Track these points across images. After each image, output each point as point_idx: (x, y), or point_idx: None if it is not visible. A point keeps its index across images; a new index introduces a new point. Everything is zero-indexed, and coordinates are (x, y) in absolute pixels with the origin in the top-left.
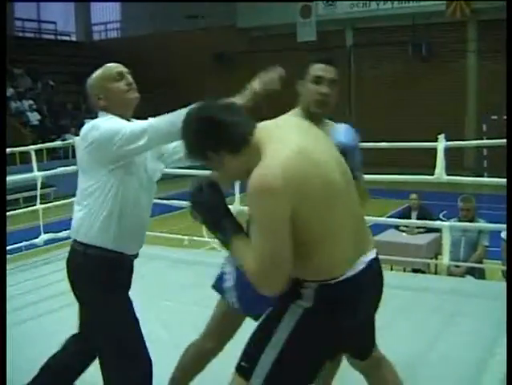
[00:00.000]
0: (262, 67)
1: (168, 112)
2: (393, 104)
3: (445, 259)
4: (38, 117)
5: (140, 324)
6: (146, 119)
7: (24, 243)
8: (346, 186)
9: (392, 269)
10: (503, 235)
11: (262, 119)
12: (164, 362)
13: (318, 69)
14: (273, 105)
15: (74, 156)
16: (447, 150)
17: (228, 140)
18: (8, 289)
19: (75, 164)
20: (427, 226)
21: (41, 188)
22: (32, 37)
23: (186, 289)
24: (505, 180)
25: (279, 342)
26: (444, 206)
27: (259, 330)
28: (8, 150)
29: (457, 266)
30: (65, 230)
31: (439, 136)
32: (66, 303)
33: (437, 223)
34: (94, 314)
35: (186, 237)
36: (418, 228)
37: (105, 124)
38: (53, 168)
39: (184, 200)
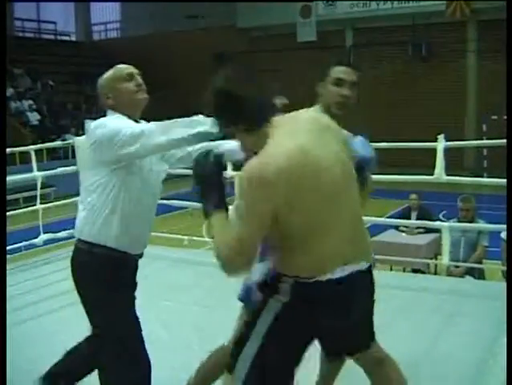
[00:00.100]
0: (262, 67)
1: (167, 111)
2: (393, 104)
3: (445, 259)
4: (38, 117)
5: (141, 324)
6: (146, 119)
7: (23, 243)
8: (345, 190)
9: (391, 270)
10: (503, 235)
11: None
12: (163, 362)
13: (339, 71)
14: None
15: (74, 156)
16: (447, 150)
17: (246, 118)
18: (8, 289)
19: (75, 164)
20: (427, 226)
21: (41, 188)
22: (32, 37)
23: (186, 289)
24: (505, 180)
25: (259, 335)
26: (444, 206)
27: (242, 327)
28: (8, 150)
29: (457, 266)
30: (64, 230)
31: (439, 136)
32: (66, 303)
33: (437, 223)
34: (96, 313)
35: (186, 237)
36: (418, 228)
37: (110, 123)
38: (53, 168)
39: (184, 200)
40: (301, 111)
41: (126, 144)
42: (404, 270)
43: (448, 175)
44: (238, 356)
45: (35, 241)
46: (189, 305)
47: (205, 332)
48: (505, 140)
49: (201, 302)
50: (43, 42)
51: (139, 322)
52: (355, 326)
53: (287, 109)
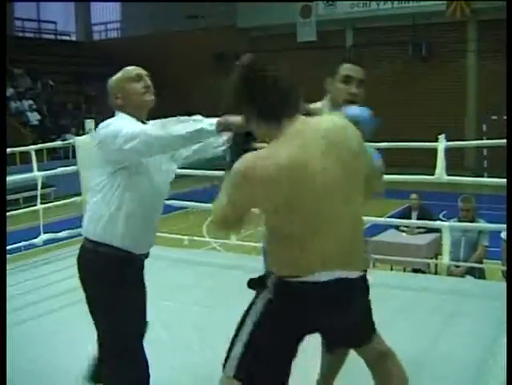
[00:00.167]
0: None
1: (168, 111)
2: (393, 104)
3: (445, 259)
4: (38, 117)
5: (147, 324)
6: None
7: (23, 243)
8: (345, 201)
9: (392, 269)
10: (503, 235)
11: None
12: (163, 362)
13: (347, 69)
14: None
15: (74, 156)
16: (447, 150)
17: (262, 108)
18: (8, 289)
19: (75, 164)
20: (427, 226)
21: (41, 188)
22: (32, 37)
23: (186, 290)
24: (505, 180)
25: (248, 328)
26: (445, 206)
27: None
28: (8, 150)
29: (457, 266)
30: (65, 230)
31: (439, 136)
32: (66, 303)
33: (437, 223)
34: (99, 311)
35: (186, 237)
36: (418, 228)
37: (114, 124)
38: (53, 168)
39: (184, 200)
40: (318, 118)
41: (127, 142)
42: (404, 270)
43: (448, 175)
44: (231, 351)
45: (35, 240)
46: (189, 305)
47: (205, 332)
48: (505, 140)
49: (201, 302)
50: (43, 42)
51: (144, 323)
52: (344, 325)
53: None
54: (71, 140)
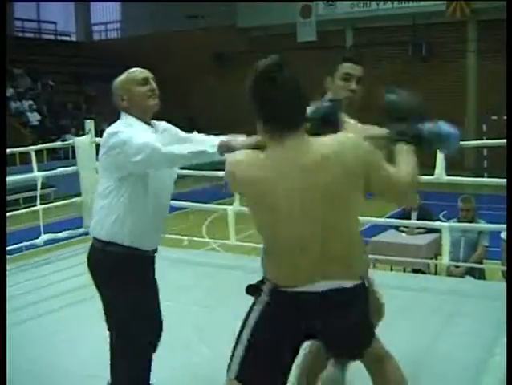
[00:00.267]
0: None
1: (167, 111)
2: None
3: (445, 259)
4: (38, 117)
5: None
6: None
7: (24, 243)
8: (318, 217)
9: (391, 270)
10: (503, 235)
11: None
12: (163, 362)
13: (347, 67)
14: None
15: (74, 157)
16: None
17: (265, 114)
18: (8, 289)
19: (75, 165)
20: (427, 226)
21: (41, 189)
22: (32, 37)
23: (186, 290)
24: (505, 180)
25: (247, 331)
26: (444, 206)
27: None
28: (8, 150)
29: (457, 267)
30: (65, 230)
31: None
32: (66, 303)
33: (437, 223)
34: (109, 309)
35: (186, 238)
36: (418, 228)
37: (123, 133)
38: (53, 169)
39: (184, 200)
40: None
41: (134, 154)
42: (404, 270)
43: (448, 175)
44: (235, 347)
45: (36, 241)
46: (189, 305)
47: (205, 332)
48: (505, 140)
49: (201, 303)
50: (43, 43)
51: (153, 318)
52: (339, 333)
53: None
54: (71, 141)
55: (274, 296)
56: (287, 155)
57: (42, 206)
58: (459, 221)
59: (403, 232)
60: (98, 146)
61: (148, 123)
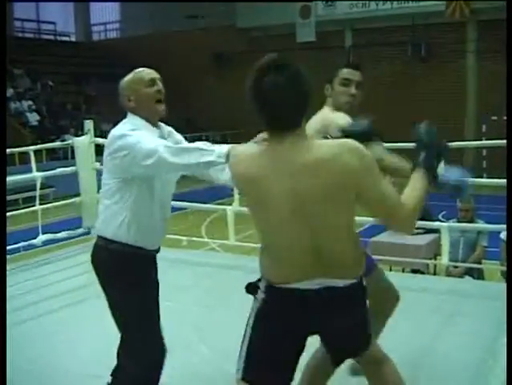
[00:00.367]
0: None
1: (167, 111)
2: (392, 105)
3: (444, 260)
4: (38, 117)
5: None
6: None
7: (22, 243)
8: (308, 215)
9: (391, 270)
10: (502, 236)
11: None
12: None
13: (346, 72)
14: None
15: (73, 157)
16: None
17: (265, 114)
18: (8, 289)
19: (74, 165)
20: (426, 227)
21: (40, 189)
22: (31, 37)
23: (185, 290)
24: (504, 180)
25: (248, 331)
26: (444, 206)
27: None
28: (7, 150)
29: (456, 267)
30: (64, 231)
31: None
32: (66, 303)
33: (436, 224)
34: (115, 307)
35: (185, 238)
36: (417, 228)
37: (130, 136)
38: (52, 169)
39: (184, 200)
40: (324, 141)
41: (142, 159)
42: (403, 271)
43: None
44: (241, 347)
45: (34, 241)
46: (189, 305)
47: (205, 332)
48: (504, 141)
49: (200, 302)
50: (43, 43)
51: (157, 314)
52: (335, 332)
53: None
54: (70, 141)
55: (269, 293)
56: (286, 154)
57: (42, 206)
58: (458, 221)
59: None
60: (97, 146)
61: (155, 126)
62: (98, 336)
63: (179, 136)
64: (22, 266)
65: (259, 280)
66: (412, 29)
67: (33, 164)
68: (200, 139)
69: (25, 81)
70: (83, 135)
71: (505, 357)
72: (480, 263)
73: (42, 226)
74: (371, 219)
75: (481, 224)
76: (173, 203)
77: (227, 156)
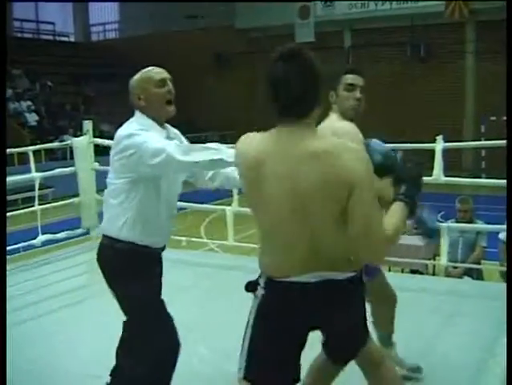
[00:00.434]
0: (260, 68)
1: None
2: (391, 105)
3: (443, 260)
4: (36, 118)
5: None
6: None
7: (22, 244)
8: (306, 209)
9: (390, 270)
10: (501, 236)
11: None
12: None
13: (350, 78)
14: None
15: (72, 157)
16: (445, 151)
17: (274, 100)
18: (8, 289)
19: (73, 165)
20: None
21: (39, 189)
22: (30, 37)
23: (185, 290)
24: (503, 181)
25: (249, 331)
26: (442, 207)
27: None
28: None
29: (455, 267)
30: (63, 231)
31: (437, 137)
32: (65, 304)
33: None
34: (124, 306)
35: (184, 238)
36: (416, 228)
37: (138, 136)
38: (51, 169)
39: (183, 201)
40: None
41: (149, 158)
42: (402, 271)
43: (446, 176)
44: (242, 347)
45: (34, 241)
46: (188, 305)
47: (204, 332)
48: (503, 141)
49: (200, 303)
50: (42, 43)
51: (163, 310)
52: (333, 326)
53: None
54: (69, 141)
55: (269, 288)
56: (290, 140)
57: (41, 207)
58: (457, 222)
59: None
60: (96, 147)
61: (162, 126)
62: (97, 336)
63: (184, 139)
64: (21, 267)
65: (259, 277)
66: (411, 29)
67: (32, 165)
68: (199, 140)
69: (24, 81)
70: (81, 135)
71: (504, 357)
72: (479, 263)
73: (42, 226)
74: None
75: (479, 225)
76: None
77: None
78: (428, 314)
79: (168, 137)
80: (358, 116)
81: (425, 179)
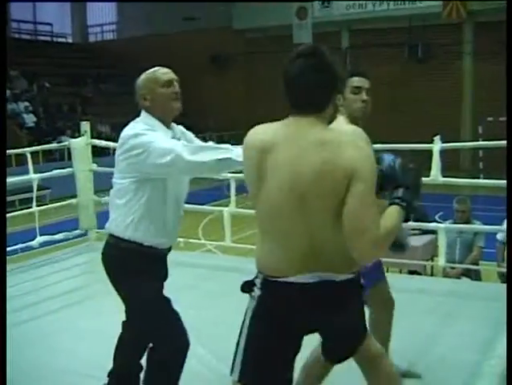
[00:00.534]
0: (257, 69)
1: None
2: (389, 105)
3: (441, 261)
4: (34, 119)
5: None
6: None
7: (20, 245)
8: (307, 204)
9: (388, 271)
10: (499, 236)
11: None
12: None
13: (356, 81)
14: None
15: (69, 158)
16: (443, 151)
17: (288, 94)
18: (7, 290)
19: (70, 166)
20: (423, 228)
21: (37, 191)
22: (28, 38)
23: (182, 291)
24: (500, 181)
25: (244, 332)
26: (440, 208)
27: None
28: None
29: (453, 268)
30: (61, 232)
31: (435, 138)
32: (65, 304)
33: (433, 225)
34: (127, 302)
35: (182, 239)
36: (414, 229)
37: (144, 136)
38: (49, 170)
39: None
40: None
41: (157, 158)
42: (400, 272)
43: (444, 176)
44: (236, 349)
45: (32, 243)
46: (185, 307)
47: (202, 333)
48: (501, 142)
49: (197, 304)
50: (39, 44)
51: (168, 309)
52: (331, 326)
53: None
54: (67, 142)
55: (266, 288)
56: (299, 131)
57: (38, 208)
58: (455, 222)
59: None
60: (94, 148)
61: (168, 126)
62: (96, 337)
63: (191, 135)
64: (20, 267)
65: (255, 277)
66: (408, 30)
67: (29, 166)
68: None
69: (21, 82)
70: (79, 136)
71: (502, 357)
72: (477, 264)
73: (39, 228)
74: None
75: (477, 226)
76: None
77: None
78: (425, 314)
79: (175, 137)
80: (365, 118)
81: (423, 179)
